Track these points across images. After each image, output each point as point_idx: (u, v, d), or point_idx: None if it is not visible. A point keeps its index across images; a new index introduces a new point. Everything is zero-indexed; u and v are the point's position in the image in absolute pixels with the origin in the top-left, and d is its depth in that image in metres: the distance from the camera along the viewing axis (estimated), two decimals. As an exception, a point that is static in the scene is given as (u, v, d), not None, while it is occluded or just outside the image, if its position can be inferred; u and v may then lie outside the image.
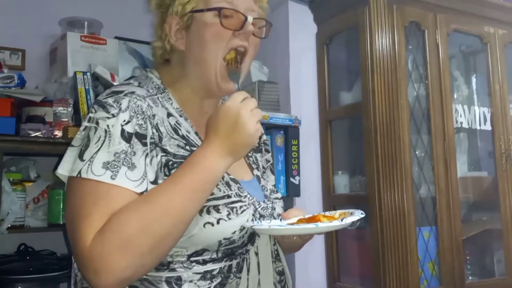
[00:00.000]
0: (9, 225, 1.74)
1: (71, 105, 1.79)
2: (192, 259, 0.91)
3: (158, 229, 0.82)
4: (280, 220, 1.01)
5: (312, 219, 0.95)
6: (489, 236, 2.45)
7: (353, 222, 0.91)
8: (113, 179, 0.84)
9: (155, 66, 1.10)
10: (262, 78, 2.21)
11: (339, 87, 2.38)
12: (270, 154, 1.25)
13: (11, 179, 1.81)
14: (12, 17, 2.13)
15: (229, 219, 0.92)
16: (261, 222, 0.98)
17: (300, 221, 0.98)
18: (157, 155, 0.91)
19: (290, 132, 2.15)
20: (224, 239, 0.92)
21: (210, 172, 0.88)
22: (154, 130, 0.92)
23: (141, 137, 0.89)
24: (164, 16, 1.03)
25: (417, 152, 2.20)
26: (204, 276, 0.92)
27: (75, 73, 1.84)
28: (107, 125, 0.88)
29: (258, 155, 1.19)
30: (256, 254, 1.00)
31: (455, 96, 2.45)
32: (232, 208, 0.94)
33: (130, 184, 0.85)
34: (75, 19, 2.06)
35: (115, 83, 1.82)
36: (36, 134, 1.68)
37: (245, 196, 0.99)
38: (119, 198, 0.84)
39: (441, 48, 2.27)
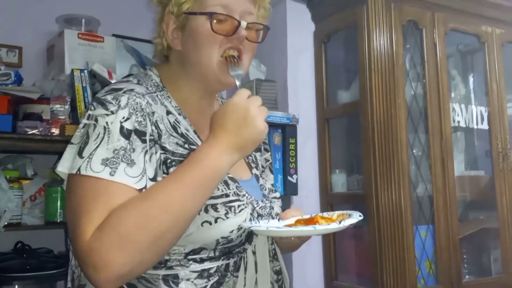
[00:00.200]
0: (6, 223, 1.73)
1: (68, 103, 1.78)
2: (189, 257, 0.91)
3: (157, 226, 0.81)
4: (278, 220, 1.01)
5: (310, 221, 0.95)
6: (486, 235, 2.46)
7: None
8: (112, 175, 0.84)
9: (155, 64, 1.10)
10: (260, 76, 2.21)
11: (336, 85, 2.38)
12: (269, 153, 1.25)
13: (7, 177, 1.80)
14: (9, 14, 2.12)
15: (227, 218, 0.92)
16: (259, 221, 0.98)
17: (298, 222, 0.97)
18: (156, 152, 0.90)
19: (288, 130, 2.14)
20: (222, 238, 0.91)
21: (214, 169, 0.87)
22: (154, 127, 0.92)
23: (141, 134, 0.89)
24: (162, 14, 1.04)
25: (414, 151, 2.20)
26: (201, 274, 0.91)
27: (72, 70, 1.83)
28: (106, 122, 0.88)
29: (258, 154, 1.19)
30: (254, 253, 0.99)
31: (453, 95, 2.45)
32: (230, 207, 0.93)
33: (129, 180, 0.85)
34: (72, 17, 2.05)
35: (112, 81, 1.82)
36: (33, 131, 1.68)
37: (244, 195, 0.98)
38: (119, 195, 0.83)
39: (439, 47, 2.27)
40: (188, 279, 0.90)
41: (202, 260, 0.92)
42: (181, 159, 0.92)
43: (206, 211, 0.91)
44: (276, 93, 2.22)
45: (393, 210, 2.00)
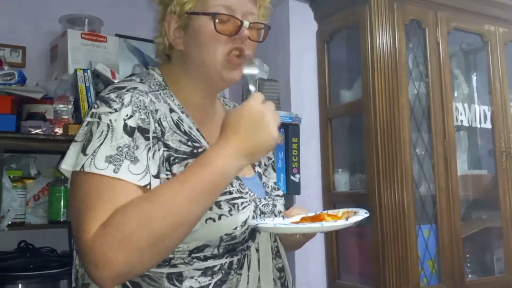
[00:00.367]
0: (10, 222, 1.74)
1: (72, 103, 1.79)
2: (193, 255, 0.91)
3: (159, 227, 0.81)
4: (283, 218, 1.01)
5: (316, 218, 0.95)
6: (488, 234, 2.45)
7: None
8: (116, 172, 0.84)
9: (157, 64, 1.10)
10: (263, 76, 2.21)
11: (339, 85, 2.38)
12: (272, 152, 1.25)
13: (11, 176, 1.81)
14: (13, 14, 2.13)
15: (231, 215, 0.92)
16: (263, 219, 0.98)
17: (304, 219, 0.98)
18: (159, 149, 0.91)
19: (291, 130, 2.14)
20: (226, 234, 0.92)
21: (222, 173, 0.86)
22: (157, 125, 0.92)
23: (144, 131, 0.89)
24: (164, 13, 1.04)
25: (417, 150, 2.20)
26: (205, 272, 0.92)
27: (75, 70, 1.84)
28: (110, 120, 0.88)
29: None
30: (257, 250, 1.00)
31: (456, 94, 2.44)
32: (233, 204, 0.94)
33: (132, 177, 0.85)
34: (75, 17, 2.06)
35: (115, 81, 1.82)
36: (37, 131, 1.68)
37: (246, 192, 0.99)
38: (122, 192, 0.84)
39: (442, 46, 2.27)
40: (192, 277, 0.91)
41: (205, 258, 0.92)
42: (184, 156, 0.92)
43: (210, 208, 0.91)
44: (279, 92, 2.22)
45: (396, 209, 2.00)
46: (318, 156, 2.35)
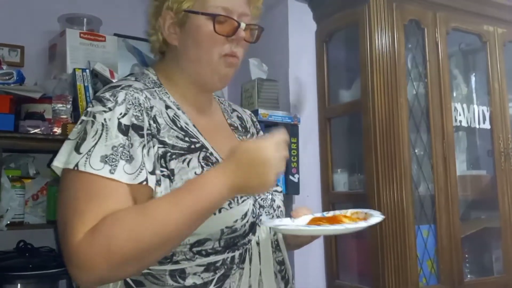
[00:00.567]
0: (8, 222, 1.74)
1: (70, 102, 1.79)
2: (194, 249, 0.91)
3: (147, 243, 0.83)
4: (291, 218, 1.02)
5: (333, 220, 0.96)
6: (487, 235, 2.45)
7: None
8: (112, 173, 0.85)
9: (153, 64, 1.12)
10: (262, 75, 2.21)
11: (338, 85, 2.38)
12: None
13: (10, 176, 1.81)
14: (11, 13, 2.12)
15: (230, 207, 0.93)
16: (271, 215, 1.01)
17: (316, 220, 0.99)
18: (153, 146, 0.91)
19: (290, 129, 2.14)
20: (226, 227, 0.92)
21: (214, 201, 0.87)
22: (152, 122, 0.93)
23: (138, 129, 0.90)
24: (160, 9, 1.05)
25: (416, 151, 2.20)
26: (207, 268, 0.92)
27: (74, 70, 1.84)
28: (104, 119, 0.89)
29: None
30: (258, 244, 1.00)
31: (454, 94, 2.45)
32: (233, 198, 0.94)
33: (128, 177, 0.86)
34: (74, 16, 2.06)
35: (114, 80, 1.82)
36: (35, 130, 1.68)
37: None
38: (115, 195, 0.85)
39: (441, 46, 2.27)
40: (195, 273, 0.91)
41: (207, 254, 0.92)
42: (182, 152, 0.93)
43: None
44: (278, 92, 2.22)
45: (395, 209, 2.00)
46: (317, 156, 2.35)
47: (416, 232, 2.07)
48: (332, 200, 2.29)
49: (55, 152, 0.93)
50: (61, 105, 1.76)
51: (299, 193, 2.15)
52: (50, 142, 1.69)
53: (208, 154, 0.98)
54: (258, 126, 1.27)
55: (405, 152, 2.05)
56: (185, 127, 0.99)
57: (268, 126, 2.11)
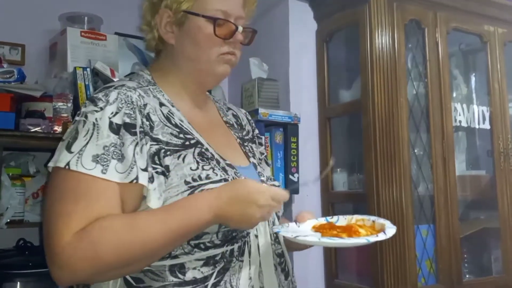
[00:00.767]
0: (8, 220, 1.74)
1: (71, 101, 1.79)
2: (192, 242, 0.92)
3: (131, 254, 0.85)
4: (296, 223, 1.03)
5: (349, 229, 0.97)
6: (486, 235, 2.46)
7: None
8: (104, 173, 0.86)
9: (148, 66, 1.15)
10: (262, 75, 2.21)
11: (338, 84, 2.38)
12: (263, 147, 1.29)
13: (10, 174, 1.81)
14: (12, 12, 2.13)
15: None
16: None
17: (329, 228, 0.99)
18: (146, 144, 0.92)
19: (289, 129, 2.15)
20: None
21: (201, 224, 0.89)
22: (144, 120, 0.94)
23: (130, 127, 0.91)
24: (157, 6, 1.07)
25: (415, 150, 2.20)
26: (207, 262, 0.93)
27: (75, 68, 1.84)
28: (95, 118, 0.90)
29: (253, 146, 1.21)
30: (256, 236, 1.01)
31: (454, 94, 2.45)
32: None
33: (119, 177, 0.87)
34: (75, 15, 2.06)
35: (115, 79, 1.82)
36: (36, 129, 1.68)
37: None
38: (103, 196, 0.86)
39: (441, 46, 2.27)
40: (194, 268, 0.92)
41: (206, 247, 0.93)
42: (176, 148, 0.95)
43: None
44: (278, 91, 2.22)
45: (394, 209, 2.00)
46: (317, 156, 2.35)
47: (415, 232, 2.07)
48: (331, 199, 2.29)
49: (55, 151, 0.94)
50: (61, 103, 1.77)
51: (298, 193, 2.15)
52: (50, 141, 1.69)
53: (203, 150, 0.99)
54: (254, 124, 1.29)
55: (404, 152, 2.05)
56: (180, 124, 1.00)
57: (267, 125, 2.11)
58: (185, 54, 1.05)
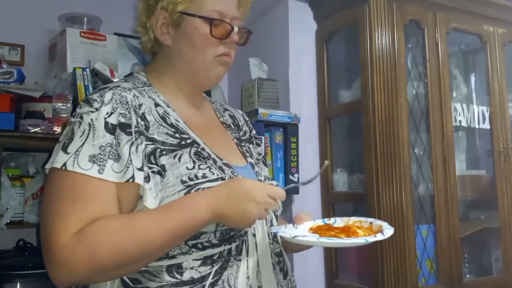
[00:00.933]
0: (8, 221, 1.74)
1: (70, 101, 1.79)
2: (190, 243, 0.92)
3: (130, 256, 0.86)
4: (293, 224, 1.03)
5: (347, 230, 0.98)
6: (487, 235, 2.46)
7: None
8: (101, 173, 0.87)
9: (144, 68, 1.16)
10: (262, 75, 2.21)
11: (338, 84, 2.38)
12: (261, 148, 1.29)
13: (10, 175, 1.81)
14: (11, 12, 2.13)
15: None
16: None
17: (327, 229, 0.99)
18: (141, 143, 0.92)
19: (289, 129, 2.15)
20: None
21: (199, 224, 0.90)
22: (139, 119, 0.94)
23: (125, 127, 0.91)
24: (153, 8, 1.07)
25: (415, 150, 2.20)
26: (204, 261, 0.93)
27: (74, 69, 1.84)
28: (91, 119, 0.90)
29: (251, 146, 1.21)
30: (254, 235, 1.01)
31: (454, 94, 2.45)
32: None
33: (116, 176, 0.88)
34: (74, 15, 2.06)
35: (114, 80, 1.82)
36: (35, 129, 1.68)
37: None
38: (100, 197, 0.87)
39: (441, 46, 2.27)
40: (192, 268, 0.92)
41: (204, 247, 0.93)
42: (172, 148, 0.95)
43: None
44: (278, 92, 2.22)
45: (394, 209, 2.00)
46: (316, 156, 2.35)
47: (416, 232, 2.07)
48: (331, 200, 2.29)
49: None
50: (61, 104, 1.77)
51: (298, 193, 2.15)
52: (50, 141, 1.69)
53: (199, 150, 0.99)
54: (251, 125, 1.29)
55: (404, 152, 2.05)
56: (175, 124, 1.00)
57: (267, 125, 2.11)
58: (181, 55, 1.05)
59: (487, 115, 2.48)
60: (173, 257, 0.92)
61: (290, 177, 2.11)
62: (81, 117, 0.91)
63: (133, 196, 0.91)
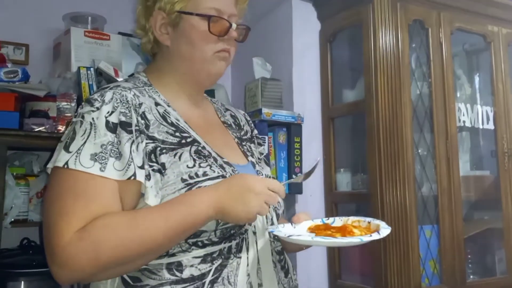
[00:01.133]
0: (13, 219, 1.75)
1: (75, 100, 1.79)
2: (190, 241, 0.92)
3: (133, 253, 0.86)
4: (292, 224, 1.03)
5: (344, 230, 0.98)
6: (490, 235, 2.45)
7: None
8: (102, 171, 0.87)
9: (144, 69, 1.15)
10: (265, 75, 2.21)
11: (342, 84, 2.38)
12: (263, 147, 1.29)
13: (14, 174, 1.82)
14: (16, 12, 2.13)
15: None
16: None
17: (324, 228, 1.00)
18: (142, 142, 0.93)
19: (293, 129, 2.15)
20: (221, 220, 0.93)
21: (201, 218, 0.90)
22: (140, 118, 0.95)
23: (126, 125, 0.92)
24: (151, 9, 1.08)
25: (419, 151, 2.20)
26: (204, 259, 0.93)
27: (78, 68, 1.84)
28: (92, 118, 0.91)
29: (252, 145, 1.21)
30: (254, 233, 1.01)
31: (458, 94, 2.44)
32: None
33: (117, 174, 0.88)
34: (78, 14, 2.06)
35: (118, 79, 1.83)
36: (40, 128, 1.69)
37: None
38: (102, 194, 0.87)
39: (445, 46, 2.27)
40: (192, 265, 0.92)
41: (204, 245, 0.93)
42: (172, 146, 0.95)
43: None
44: (281, 91, 2.22)
45: (398, 209, 2.00)
46: (320, 156, 2.35)
47: (419, 232, 2.07)
48: (335, 199, 2.29)
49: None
50: (65, 103, 1.77)
51: (302, 193, 2.15)
52: (54, 140, 1.68)
53: (200, 148, 0.99)
54: (253, 125, 1.29)
55: (408, 152, 2.05)
56: (176, 122, 1.01)
57: (271, 125, 2.11)
58: (181, 54, 1.06)
59: (491, 115, 2.47)
60: (173, 255, 0.92)
61: (294, 177, 2.11)
62: (83, 117, 0.92)
63: (134, 194, 0.91)
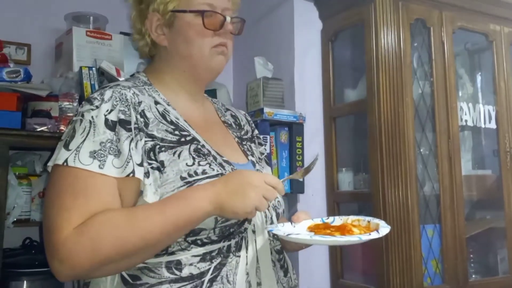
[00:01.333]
0: (15, 219, 1.75)
1: (77, 100, 1.79)
2: (189, 239, 0.92)
3: (131, 249, 0.86)
4: (291, 223, 1.03)
5: (343, 228, 0.98)
6: (492, 235, 2.45)
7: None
8: (101, 168, 0.88)
9: (143, 69, 1.16)
10: (267, 74, 2.21)
11: (343, 84, 2.38)
12: (264, 147, 1.30)
13: (16, 173, 1.82)
14: (18, 11, 2.14)
15: None
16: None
17: (324, 227, 1.00)
18: (141, 140, 0.94)
19: (295, 128, 2.15)
20: (220, 216, 0.93)
21: (200, 215, 0.90)
22: (139, 116, 0.95)
23: (125, 123, 0.93)
24: (145, 12, 1.08)
25: (421, 150, 2.20)
26: (203, 258, 0.93)
27: (80, 68, 1.84)
28: (92, 116, 0.92)
29: (253, 145, 1.22)
30: (253, 232, 1.01)
31: (460, 94, 2.44)
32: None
33: (116, 171, 0.89)
34: (80, 14, 2.06)
35: (120, 78, 1.83)
36: (42, 128, 1.69)
37: None
38: (101, 191, 0.88)
39: (447, 45, 2.26)
40: (191, 264, 0.92)
41: (203, 243, 0.93)
42: (172, 145, 0.96)
43: None
44: (283, 91, 2.22)
45: (400, 209, 2.00)
46: (322, 155, 2.35)
47: (421, 232, 2.07)
48: (336, 199, 2.29)
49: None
50: (67, 103, 1.77)
51: (303, 192, 2.15)
52: (56, 140, 1.66)
53: (199, 146, 1.00)
54: (253, 125, 1.30)
55: (410, 152, 2.05)
56: (175, 121, 1.01)
57: (273, 125, 2.11)
58: (179, 52, 1.06)
59: (493, 114, 2.47)
60: (172, 253, 0.92)
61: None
62: (82, 115, 0.93)
63: (133, 191, 0.92)
